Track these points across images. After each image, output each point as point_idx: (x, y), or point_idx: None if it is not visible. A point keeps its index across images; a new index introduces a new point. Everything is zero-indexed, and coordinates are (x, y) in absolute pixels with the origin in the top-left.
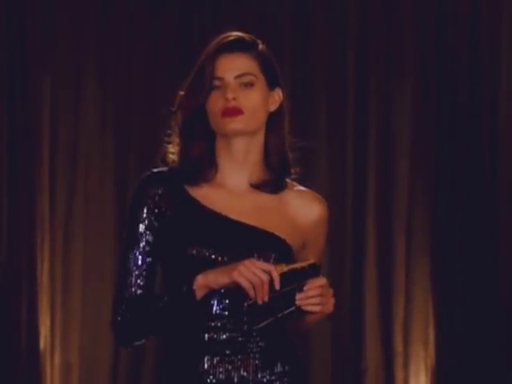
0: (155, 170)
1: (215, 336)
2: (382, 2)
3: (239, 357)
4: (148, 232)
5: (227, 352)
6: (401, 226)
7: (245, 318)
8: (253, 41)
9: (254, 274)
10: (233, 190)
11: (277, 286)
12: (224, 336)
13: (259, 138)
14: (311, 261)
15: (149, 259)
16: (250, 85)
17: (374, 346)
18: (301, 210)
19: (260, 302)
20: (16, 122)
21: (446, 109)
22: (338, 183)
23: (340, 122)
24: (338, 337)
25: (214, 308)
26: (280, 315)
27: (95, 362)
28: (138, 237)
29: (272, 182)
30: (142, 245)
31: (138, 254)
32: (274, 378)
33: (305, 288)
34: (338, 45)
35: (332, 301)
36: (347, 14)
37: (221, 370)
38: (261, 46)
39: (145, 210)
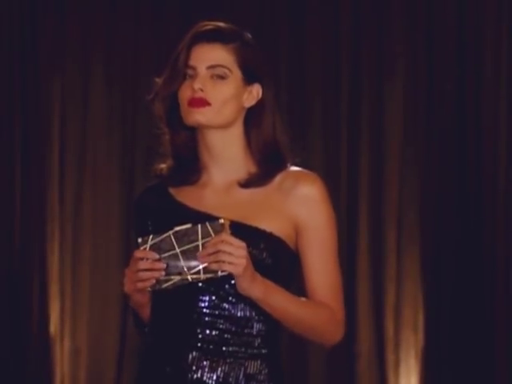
0: (148, 186)
1: (207, 332)
2: (374, 4)
3: (225, 360)
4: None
5: (213, 352)
6: (392, 216)
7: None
8: (233, 33)
9: (132, 274)
10: (216, 187)
11: (145, 255)
12: (214, 334)
13: (235, 133)
14: (220, 220)
15: None
16: (221, 77)
17: (367, 331)
18: (287, 191)
19: (158, 275)
20: (28, 120)
21: (436, 107)
22: (332, 178)
23: (334, 121)
24: None
25: (204, 304)
26: (190, 276)
27: (103, 347)
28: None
29: (258, 176)
30: None
31: None
32: None
33: (206, 245)
34: (331, 46)
35: (240, 262)
36: (340, 16)
37: (202, 368)
38: (244, 40)
39: (138, 229)
